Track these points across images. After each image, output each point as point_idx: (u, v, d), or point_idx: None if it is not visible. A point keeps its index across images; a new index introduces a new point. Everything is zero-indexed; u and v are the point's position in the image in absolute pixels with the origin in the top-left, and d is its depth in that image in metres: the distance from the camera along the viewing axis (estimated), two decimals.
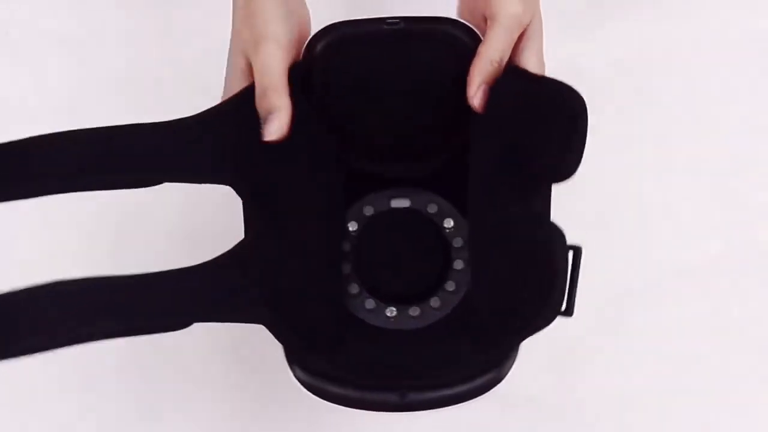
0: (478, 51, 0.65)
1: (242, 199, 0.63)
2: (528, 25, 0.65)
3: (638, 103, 0.87)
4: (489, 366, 0.61)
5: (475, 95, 0.64)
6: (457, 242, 0.68)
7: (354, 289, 0.67)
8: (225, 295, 0.60)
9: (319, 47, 0.67)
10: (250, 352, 0.80)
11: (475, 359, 0.61)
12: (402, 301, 0.67)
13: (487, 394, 0.62)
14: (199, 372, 0.80)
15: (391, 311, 0.66)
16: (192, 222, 0.85)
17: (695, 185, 0.86)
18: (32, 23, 0.93)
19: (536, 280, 0.60)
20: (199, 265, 0.61)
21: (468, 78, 0.64)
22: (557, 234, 0.61)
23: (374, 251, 0.68)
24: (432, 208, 0.68)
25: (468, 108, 0.65)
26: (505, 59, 0.65)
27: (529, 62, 0.65)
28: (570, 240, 0.63)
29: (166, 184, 0.63)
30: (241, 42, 0.66)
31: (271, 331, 0.60)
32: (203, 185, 0.64)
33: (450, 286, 0.67)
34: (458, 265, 0.67)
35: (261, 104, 0.63)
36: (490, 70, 0.64)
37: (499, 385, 0.63)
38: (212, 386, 0.81)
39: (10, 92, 0.90)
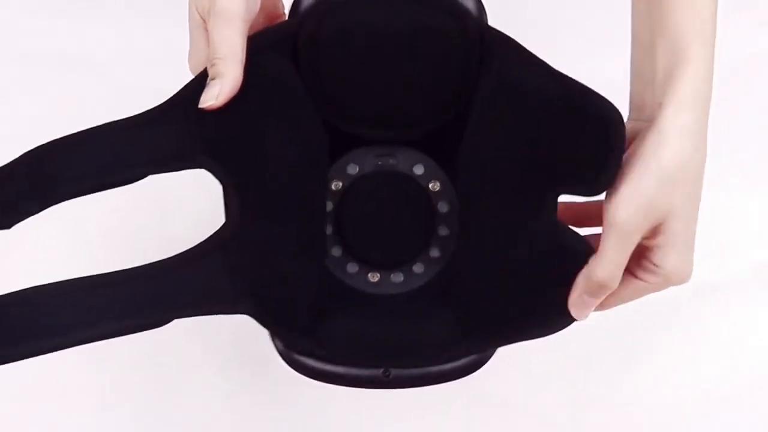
0: (590, 261, 0.59)
1: (219, 180, 0.61)
2: (664, 222, 0.58)
3: None
4: (474, 349, 0.63)
5: (574, 304, 0.60)
6: (442, 207, 0.66)
7: (336, 252, 0.66)
8: (204, 286, 0.59)
9: (308, 4, 0.62)
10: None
11: (461, 343, 0.62)
12: (384, 266, 0.66)
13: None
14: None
15: (374, 276, 0.66)
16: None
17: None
18: (47, 42, 0.94)
19: (555, 288, 0.60)
20: (176, 256, 0.60)
21: (574, 284, 0.60)
22: (581, 242, 0.61)
23: (357, 213, 0.66)
24: (418, 169, 0.66)
25: (469, 80, 0.61)
26: (619, 274, 0.59)
27: (664, 261, 0.59)
28: None
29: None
30: None
31: (255, 318, 0.60)
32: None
33: (434, 252, 0.66)
34: (443, 231, 0.66)
35: (209, 71, 0.59)
36: (596, 290, 0.59)
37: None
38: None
39: (26, 108, 0.92)
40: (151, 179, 0.61)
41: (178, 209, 0.88)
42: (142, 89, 0.92)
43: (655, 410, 0.84)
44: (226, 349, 0.85)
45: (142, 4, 0.96)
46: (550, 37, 0.96)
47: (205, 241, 0.61)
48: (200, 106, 0.59)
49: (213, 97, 0.58)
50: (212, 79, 0.59)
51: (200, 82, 0.59)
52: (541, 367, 0.78)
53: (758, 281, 0.88)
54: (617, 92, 0.95)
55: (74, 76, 0.93)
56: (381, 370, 0.64)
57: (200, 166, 0.61)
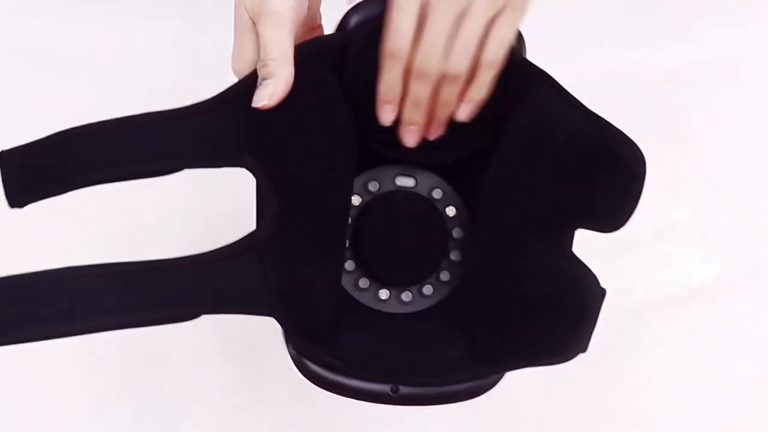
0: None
1: (258, 180, 0.61)
2: None
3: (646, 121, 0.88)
4: (482, 373, 0.64)
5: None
6: (457, 233, 0.67)
7: (350, 265, 0.67)
8: (236, 286, 0.59)
9: (357, 21, 0.63)
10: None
11: (469, 367, 0.63)
12: (395, 284, 0.67)
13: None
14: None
15: (385, 293, 0.67)
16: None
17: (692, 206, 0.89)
18: (47, 42, 0.94)
19: (566, 320, 0.61)
20: (207, 253, 0.60)
21: None
22: (591, 276, 0.61)
23: (374, 229, 0.66)
24: (437, 194, 0.66)
25: (498, 112, 0.61)
26: (408, 39, 0.58)
27: (495, 40, 0.58)
28: None
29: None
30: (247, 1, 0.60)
31: (280, 322, 0.60)
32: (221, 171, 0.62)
33: (444, 275, 0.67)
34: (455, 256, 0.67)
35: (261, 72, 0.60)
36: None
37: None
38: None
39: (26, 108, 0.91)
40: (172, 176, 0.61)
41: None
42: (142, 89, 0.92)
43: (655, 411, 0.85)
44: (232, 352, 0.86)
45: (142, 4, 0.95)
46: (549, 34, 0.96)
47: (238, 241, 0.60)
48: (254, 105, 0.59)
49: (267, 97, 0.59)
50: (264, 79, 0.59)
51: (250, 82, 0.59)
52: (540, 369, 0.78)
53: (758, 282, 0.89)
54: (617, 90, 0.95)
55: (74, 76, 0.93)
56: (389, 386, 0.64)
57: (243, 165, 0.61)
